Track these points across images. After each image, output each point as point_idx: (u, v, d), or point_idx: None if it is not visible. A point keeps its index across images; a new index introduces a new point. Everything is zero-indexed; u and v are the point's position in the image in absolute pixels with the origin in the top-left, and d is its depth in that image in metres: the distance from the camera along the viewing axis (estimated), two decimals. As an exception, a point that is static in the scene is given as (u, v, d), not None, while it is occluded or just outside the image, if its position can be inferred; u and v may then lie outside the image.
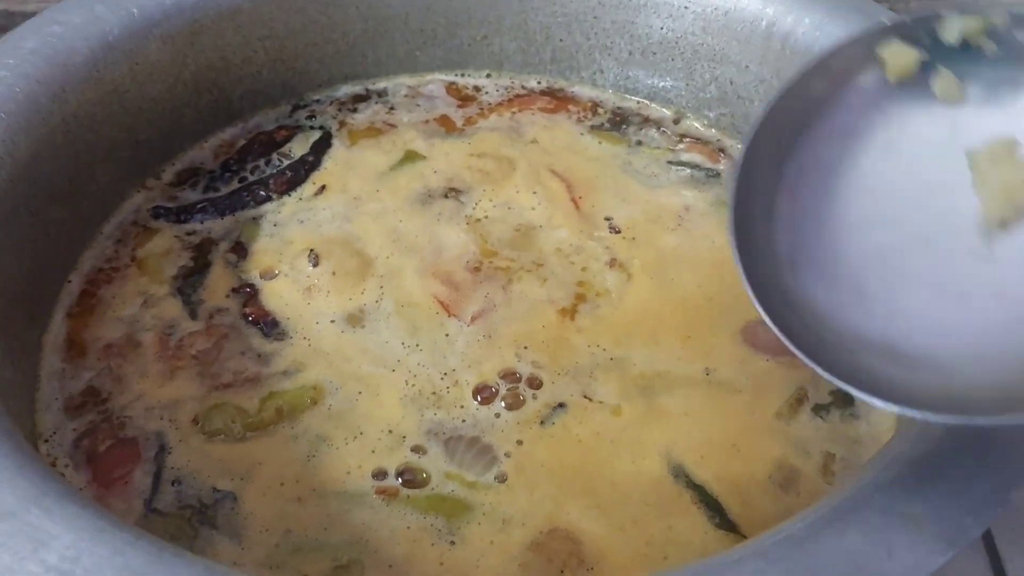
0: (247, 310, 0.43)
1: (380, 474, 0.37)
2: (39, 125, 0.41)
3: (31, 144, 0.41)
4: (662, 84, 0.52)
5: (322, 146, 0.50)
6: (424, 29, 0.53)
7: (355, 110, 0.53)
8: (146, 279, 0.44)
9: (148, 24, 0.46)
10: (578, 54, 0.53)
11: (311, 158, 0.49)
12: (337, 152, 0.50)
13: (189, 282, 0.44)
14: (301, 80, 0.52)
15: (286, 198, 0.47)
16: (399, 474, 0.37)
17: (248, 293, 0.43)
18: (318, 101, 0.53)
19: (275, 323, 0.42)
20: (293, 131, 0.51)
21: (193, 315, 0.42)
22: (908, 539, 0.27)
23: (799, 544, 0.27)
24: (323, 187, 0.48)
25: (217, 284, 0.44)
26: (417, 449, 0.38)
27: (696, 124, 0.52)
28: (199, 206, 0.47)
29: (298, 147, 0.50)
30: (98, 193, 0.46)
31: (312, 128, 0.51)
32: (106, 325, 0.42)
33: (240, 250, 0.45)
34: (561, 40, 0.53)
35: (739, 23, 0.48)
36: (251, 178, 0.48)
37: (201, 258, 0.45)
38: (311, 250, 0.45)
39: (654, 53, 0.52)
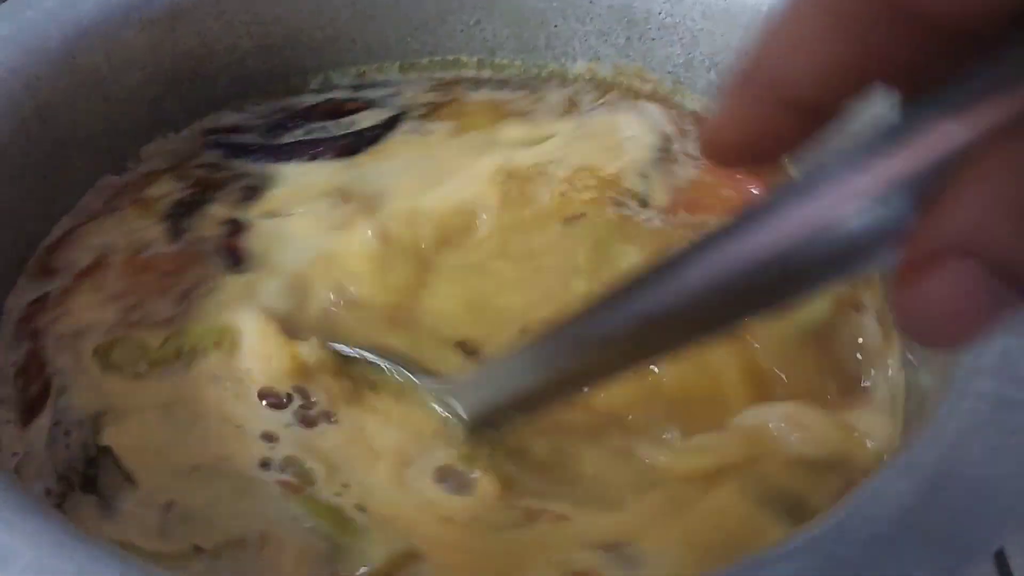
0: (227, 240, 0.42)
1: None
2: (12, 114, 0.40)
3: (3, 133, 0.39)
4: (661, 71, 0.51)
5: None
6: (414, 14, 0.51)
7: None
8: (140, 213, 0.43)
9: (125, 9, 0.44)
10: (573, 40, 0.51)
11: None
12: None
13: (182, 212, 0.43)
14: (288, 67, 0.50)
15: (336, 161, 0.46)
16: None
17: (236, 226, 0.42)
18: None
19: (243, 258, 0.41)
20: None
21: (174, 239, 0.42)
22: (920, 553, 0.25)
23: (809, 557, 0.25)
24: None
25: (213, 216, 0.43)
26: None
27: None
28: (255, 147, 0.47)
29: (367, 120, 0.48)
30: (74, 183, 0.44)
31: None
32: (80, 251, 0.41)
33: (254, 193, 0.44)
34: (556, 26, 0.51)
35: (740, 8, 0.47)
36: (313, 137, 0.47)
37: (207, 192, 0.44)
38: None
39: (652, 39, 0.50)
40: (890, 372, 0.38)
